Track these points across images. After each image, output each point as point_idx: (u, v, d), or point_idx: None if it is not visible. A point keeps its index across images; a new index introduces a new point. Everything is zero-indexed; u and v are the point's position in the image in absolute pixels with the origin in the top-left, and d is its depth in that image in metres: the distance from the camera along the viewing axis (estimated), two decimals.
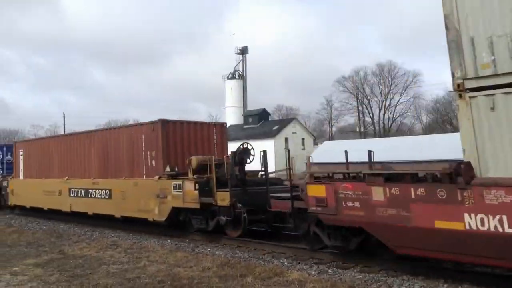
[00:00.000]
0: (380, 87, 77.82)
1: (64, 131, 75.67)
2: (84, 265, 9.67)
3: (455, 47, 7.28)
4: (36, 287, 8.02)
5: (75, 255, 10.82)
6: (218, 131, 15.34)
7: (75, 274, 8.83)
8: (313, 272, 8.84)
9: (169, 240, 13.07)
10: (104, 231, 15.40)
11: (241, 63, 76.14)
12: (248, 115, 65.98)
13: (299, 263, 9.78)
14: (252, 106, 72.24)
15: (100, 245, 12.00)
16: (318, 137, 73.03)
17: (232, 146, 14.23)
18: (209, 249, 11.57)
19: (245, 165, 12.59)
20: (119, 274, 8.79)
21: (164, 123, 13.97)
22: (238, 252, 11.11)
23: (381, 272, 8.54)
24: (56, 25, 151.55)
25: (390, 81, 77.05)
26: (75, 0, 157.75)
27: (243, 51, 76.12)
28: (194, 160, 12.92)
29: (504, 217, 6.42)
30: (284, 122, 62.71)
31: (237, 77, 75.04)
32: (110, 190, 15.34)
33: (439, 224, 7.14)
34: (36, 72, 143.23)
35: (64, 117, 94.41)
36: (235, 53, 76.39)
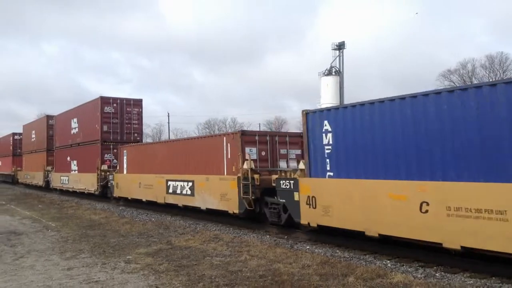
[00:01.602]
0: (491, 80, 72.02)
1: (169, 130, 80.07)
2: (190, 256, 10.15)
3: None
4: (148, 275, 8.57)
5: (181, 246, 11.40)
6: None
7: (181, 264, 9.31)
8: (418, 275, 8.44)
9: (268, 236, 13.28)
10: (206, 224, 16.07)
11: (337, 58, 74.96)
12: None
13: (403, 265, 9.41)
14: (349, 102, 70.69)
15: (204, 238, 12.52)
16: None
17: None
18: (308, 247, 11.55)
19: None
20: (222, 266, 9.11)
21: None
22: (338, 251, 10.95)
23: (493, 278, 7.91)
24: (156, 28, 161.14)
25: (502, 74, 70.98)
26: (173, 5, 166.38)
27: (340, 46, 74.81)
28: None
29: None
30: None
31: (333, 73, 74.00)
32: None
33: None
34: (141, 73, 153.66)
35: (168, 116, 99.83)
36: (332, 49, 75.36)
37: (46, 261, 10.06)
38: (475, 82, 72.81)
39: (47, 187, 36.43)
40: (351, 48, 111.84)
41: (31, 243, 12.45)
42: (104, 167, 25.76)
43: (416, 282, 7.69)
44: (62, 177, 32.65)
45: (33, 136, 41.35)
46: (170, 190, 18.97)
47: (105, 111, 26.73)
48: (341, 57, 75.11)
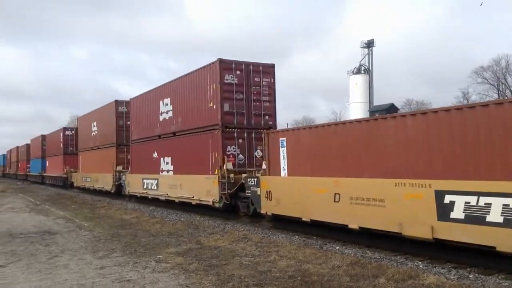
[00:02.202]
0: None
1: None
2: (219, 256, 10.21)
3: None
4: (178, 274, 8.65)
5: (211, 246, 11.48)
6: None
7: (211, 264, 9.37)
8: (451, 277, 8.25)
9: (296, 236, 13.23)
10: (235, 224, 16.14)
11: (366, 57, 74.11)
12: (374, 111, 63.91)
13: (435, 266, 9.22)
14: (378, 101, 69.94)
15: (232, 238, 12.57)
16: None
17: None
18: (337, 248, 11.45)
19: None
20: (251, 266, 9.12)
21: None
22: (368, 252, 10.82)
23: None
24: (183, 29, 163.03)
25: None
26: (198, 5, 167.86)
27: (369, 44, 74.02)
28: None
29: None
30: None
31: (362, 71, 73.24)
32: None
33: None
34: (168, 75, 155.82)
35: None
36: (360, 47, 74.59)
37: (80, 260, 10.29)
38: (509, 78, 70.71)
39: (118, 193, 28.68)
40: (382, 46, 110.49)
41: (64, 242, 12.76)
42: (229, 165, 17.18)
43: (449, 284, 7.52)
44: (146, 181, 23.97)
45: (94, 128, 33.58)
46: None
47: (225, 81, 17.65)
48: (370, 55, 74.27)
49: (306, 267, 8.89)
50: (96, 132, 33.69)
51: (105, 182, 30.46)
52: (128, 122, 27.79)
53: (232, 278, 8.16)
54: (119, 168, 28.46)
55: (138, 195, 25.19)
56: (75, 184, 39.06)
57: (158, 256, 10.38)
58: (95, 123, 33.89)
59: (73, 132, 42.72)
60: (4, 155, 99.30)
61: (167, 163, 21.96)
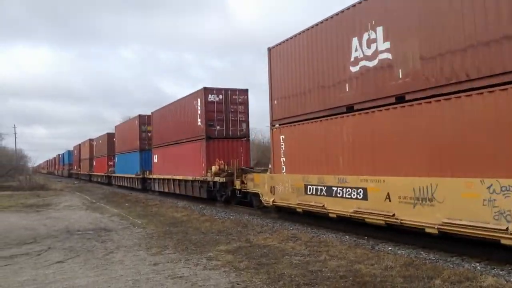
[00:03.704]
0: None
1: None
2: (269, 255, 10.22)
3: None
4: (229, 272, 8.74)
5: (260, 245, 11.51)
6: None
7: (261, 263, 9.39)
8: (511, 279, 7.87)
9: (347, 236, 13.03)
10: (284, 223, 16.11)
11: None
12: None
13: (493, 268, 8.81)
14: None
15: (282, 237, 12.55)
16: None
17: None
18: (390, 248, 11.17)
19: None
20: (301, 265, 9.06)
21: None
22: (422, 253, 10.48)
23: None
24: (225, 27, 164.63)
25: None
26: (240, 5, 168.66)
27: None
28: None
29: None
30: None
31: None
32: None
33: None
34: (212, 74, 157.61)
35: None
36: None
37: (134, 256, 10.60)
38: None
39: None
40: None
41: (119, 239, 13.20)
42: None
43: (508, 286, 7.21)
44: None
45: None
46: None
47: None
48: None
49: (357, 268, 8.74)
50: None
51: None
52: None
53: (282, 277, 8.15)
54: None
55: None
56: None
57: (209, 254, 10.52)
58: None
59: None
60: (69, 152, 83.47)
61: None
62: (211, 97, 23.19)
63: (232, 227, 14.91)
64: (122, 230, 15.12)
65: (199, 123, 23.75)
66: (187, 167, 25.52)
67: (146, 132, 34.97)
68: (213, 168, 22.20)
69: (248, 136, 24.75)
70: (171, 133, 28.54)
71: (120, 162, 42.66)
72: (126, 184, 40.77)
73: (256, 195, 18.50)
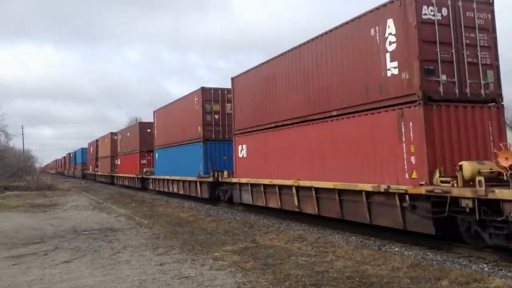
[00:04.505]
0: None
1: None
2: (275, 255, 10.21)
3: None
4: (235, 272, 8.73)
5: (266, 245, 11.50)
6: None
7: (267, 263, 9.38)
8: None
9: (354, 237, 13.00)
10: (290, 223, 16.09)
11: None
12: None
13: (501, 269, 8.77)
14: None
15: (288, 237, 12.54)
16: None
17: None
18: (396, 249, 11.14)
19: None
20: (308, 266, 9.05)
21: None
22: (429, 253, 10.44)
23: None
24: (231, 28, 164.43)
25: None
26: (245, 4, 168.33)
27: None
28: None
29: None
30: None
31: None
32: None
33: None
34: (217, 74, 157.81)
35: None
36: None
37: (140, 256, 10.63)
38: None
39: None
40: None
41: (126, 239, 13.23)
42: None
43: None
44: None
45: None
46: None
47: None
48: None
49: (364, 268, 8.71)
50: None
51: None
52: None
53: (288, 278, 8.14)
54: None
55: None
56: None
57: (215, 254, 10.53)
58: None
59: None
60: (83, 150, 72.84)
61: None
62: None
63: (238, 227, 14.91)
64: (129, 230, 15.17)
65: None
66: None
67: (212, 114, 24.83)
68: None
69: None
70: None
71: (164, 159, 31.42)
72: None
73: None
